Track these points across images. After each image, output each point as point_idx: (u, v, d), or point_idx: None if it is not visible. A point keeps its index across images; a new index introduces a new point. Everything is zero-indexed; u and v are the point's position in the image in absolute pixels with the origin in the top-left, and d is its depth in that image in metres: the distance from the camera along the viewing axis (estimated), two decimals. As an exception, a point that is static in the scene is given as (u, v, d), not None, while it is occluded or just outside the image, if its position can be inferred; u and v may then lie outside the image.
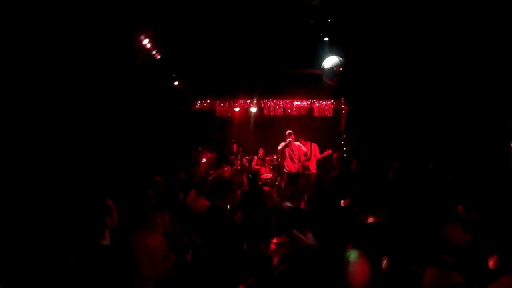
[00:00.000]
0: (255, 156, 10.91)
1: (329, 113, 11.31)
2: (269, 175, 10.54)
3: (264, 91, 10.83)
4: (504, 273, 2.17)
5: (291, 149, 10.08)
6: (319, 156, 10.33)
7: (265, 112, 11.24)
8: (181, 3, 6.15)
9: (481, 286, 2.23)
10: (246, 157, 10.98)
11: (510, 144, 6.03)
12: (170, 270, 2.08)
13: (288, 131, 10.03)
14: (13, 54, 4.31)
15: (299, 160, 10.24)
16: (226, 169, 9.79)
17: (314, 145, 10.42)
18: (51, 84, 4.98)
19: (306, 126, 11.01)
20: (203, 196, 4.77)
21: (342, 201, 5.88)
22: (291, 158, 10.11)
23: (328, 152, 10.06)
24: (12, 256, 2.18)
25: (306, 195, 7.04)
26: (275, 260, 2.65)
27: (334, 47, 7.63)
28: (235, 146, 10.91)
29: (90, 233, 2.59)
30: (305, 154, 10.13)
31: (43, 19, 4.60)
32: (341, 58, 7.49)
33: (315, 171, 9.93)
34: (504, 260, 2.40)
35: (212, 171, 9.49)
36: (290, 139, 9.90)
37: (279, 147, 10.06)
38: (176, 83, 9.81)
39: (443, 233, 2.87)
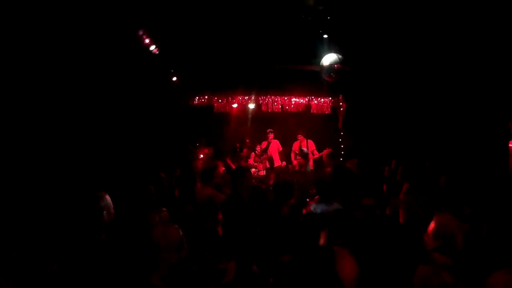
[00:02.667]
0: (252, 153, 10.86)
1: (327, 110, 11.30)
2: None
3: (262, 88, 10.81)
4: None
5: (274, 147, 10.44)
6: (316, 154, 10.31)
7: (263, 108, 11.21)
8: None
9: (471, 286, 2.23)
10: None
11: (509, 144, 6.05)
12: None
13: (268, 130, 10.40)
14: (8, 49, 4.28)
15: (295, 157, 10.28)
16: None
17: (310, 142, 10.41)
18: (49, 79, 4.95)
19: (303, 123, 10.98)
20: (208, 186, 5.09)
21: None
22: (274, 155, 10.41)
23: (328, 151, 10.06)
24: (11, 254, 2.17)
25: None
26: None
27: (333, 44, 7.63)
28: (245, 150, 10.83)
29: (88, 228, 2.58)
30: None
31: (41, 15, 4.56)
32: (339, 55, 7.48)
33: (312, 168, 9.90)
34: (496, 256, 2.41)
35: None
36: (271, 137, 10.30)
37: (263, 146, 10.31)
38: (174, 78, 9.77)
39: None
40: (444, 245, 2.56)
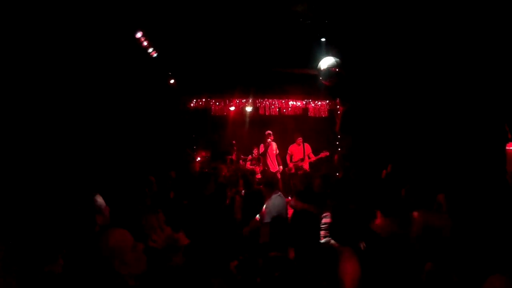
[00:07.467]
0: (250, 156, 10.87)
1: (324, 114, 11.32)
2: None
3: (259, 91, 10.82)
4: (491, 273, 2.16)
5: (272, 149, 10.44)
6: (312, 157, 10.32)
7: (260, 111, 11.22)
8: (177, 1, 6.12)
9: None
10: (242, 156, 10.92)
11: (506, 146, 6.05)
12: (145, 262, 2.05)
13: (268, 132, 10.28)
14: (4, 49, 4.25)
15: (291, 160, 10.32)
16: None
17: (307, 145, 10.44)
18: (46, 81, 4.92)
19: (301, 126, 11.00)
20: None
21: None
22: (271, 158, 10.40)
23: (325, 154, 10.09)
24: (9, 254, 2.14)
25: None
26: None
27: (330, 48, 7.63)
28: (235, 148, 10.86)
29: (80, 231, 2.55)
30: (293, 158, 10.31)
31: (39, 15, 4.54)
32: (337, 59, 7.48)
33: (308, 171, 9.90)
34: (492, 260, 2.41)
35: (206, 170, 9.43)
36: (269, 140, 10.23)
37: (262, 149, 10.30)
38: (171, 81, 9.76)
39: None
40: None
